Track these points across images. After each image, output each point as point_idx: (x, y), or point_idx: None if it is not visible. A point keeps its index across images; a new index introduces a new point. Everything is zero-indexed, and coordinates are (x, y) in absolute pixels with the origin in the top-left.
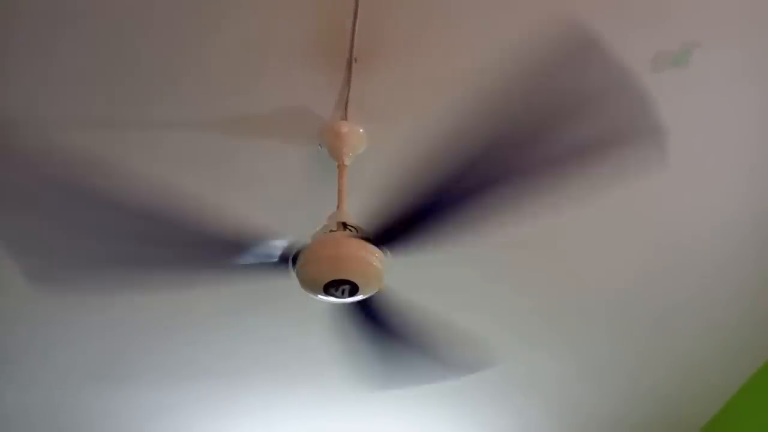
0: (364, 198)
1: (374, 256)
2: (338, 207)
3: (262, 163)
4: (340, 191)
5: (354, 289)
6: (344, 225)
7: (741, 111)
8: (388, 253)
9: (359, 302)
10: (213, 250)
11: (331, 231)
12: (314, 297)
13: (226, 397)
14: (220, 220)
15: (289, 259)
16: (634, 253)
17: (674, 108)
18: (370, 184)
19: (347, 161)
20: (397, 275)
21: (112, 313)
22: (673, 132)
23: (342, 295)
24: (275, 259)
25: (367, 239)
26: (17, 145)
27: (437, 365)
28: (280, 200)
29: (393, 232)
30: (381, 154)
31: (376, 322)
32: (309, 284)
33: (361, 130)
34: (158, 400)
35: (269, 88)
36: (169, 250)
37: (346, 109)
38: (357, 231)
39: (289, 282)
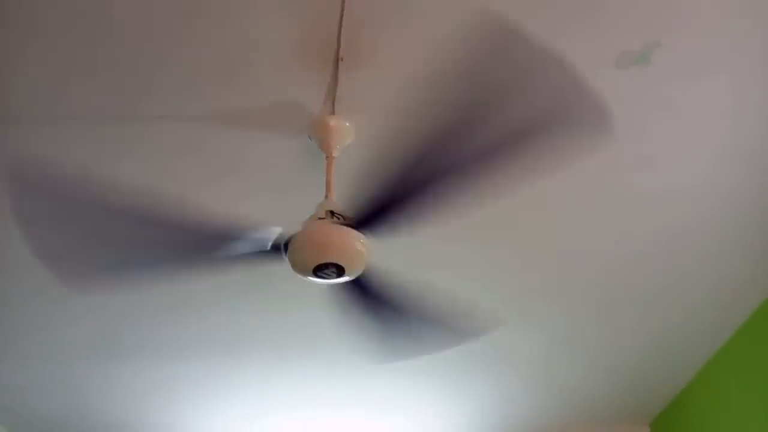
0: (351, 187)
1: (358, 240)
2: (326, 196)
3: (255, 156)
4: (328, 181)
5: (340, 271)
6: (332, 213)
7: (709, 100)
8: (370, 236)
9: (354, 281)
10: (209, 243)
11: (320, 218)
12: (306, 279)
13: (222, 371)
14: (215, 213)
15: (282, 246)
16: (608, 235)
17: (644, 100)
18: (356, 174)
19: (335, 153)
20: (385, 256)
21: (109, 292)
22: (645, 122)
23: (330, 277)
24: (269, 248)
25: (352, 225)
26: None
27: (434, 333)
28: (272, 190)
29: (371, 217)
30: (366, 146)
31: (367, 296)
32: (300, 268)
33: (347, 124)
34: (154, 375)
35: (261, 84)
36: (166, 248)
37: (333, 104)
38: (344, 218)
39: (283, 266)
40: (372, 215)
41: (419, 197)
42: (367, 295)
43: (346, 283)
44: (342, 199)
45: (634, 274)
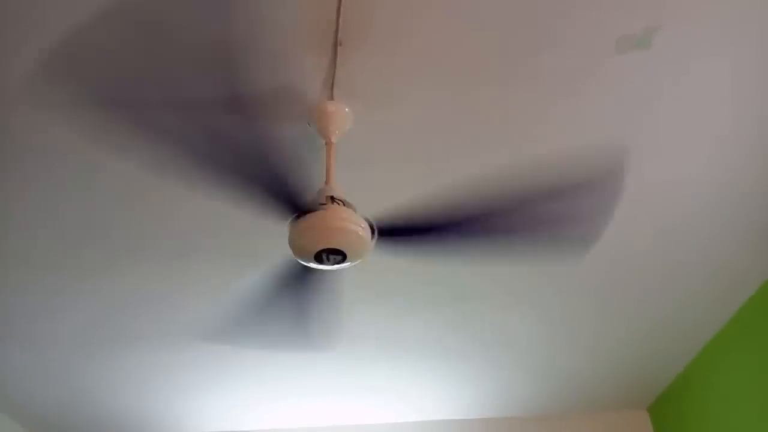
0: (350, 172)
1: (359, 226)
2: (326, 182)
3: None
4: (328, 167)
5: (342, 257)
6: (332, 198)
7: (708, 85)
8: (389, 244)
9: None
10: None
11: (321, 204)
12: (305, 263)
13: (220, 358)
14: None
15: (294, 214)
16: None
17: (644, 85)
18: (356, 159)
19: (334, 139)
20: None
21: (106, 278)
22: (644, 105)
23: (332, 262)
24: (287, 200)
25: (372, 227)
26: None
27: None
28: None
29: (400, 232)
30: (366, 132)
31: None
32: (301, 253)
33: (346, 110)
34: (153, 363)
35: (258, 70)
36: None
37: (332, 89)
38: (344, 204)
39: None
40: (400, 230)
41: (450, 241)
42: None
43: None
44: (342, 183)
45: (631, 261)
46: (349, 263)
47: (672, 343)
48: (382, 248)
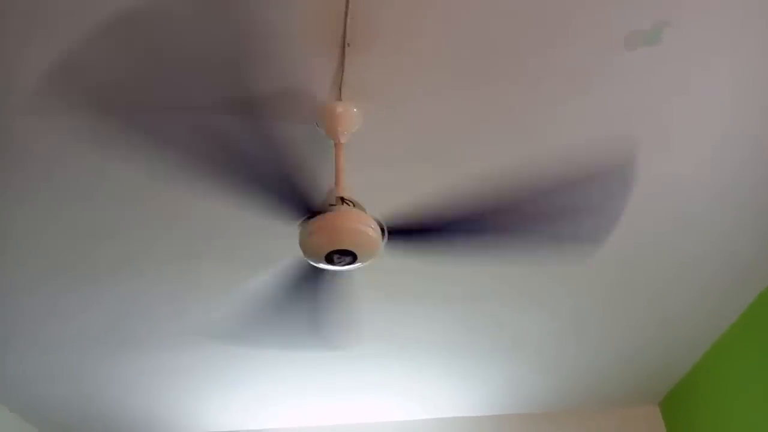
0: (360, 173)
1: (370, 227)
2: (336, 183)
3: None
4: (337, 168)
5: (353, 258)
6: (342, 199)
7: (716, 80)
8: (399, 243)
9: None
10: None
11: (330, 205)
12: (315, 264)
13: (232, 359)
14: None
15: (305, 215)
16: None
17: (653, 81)
18: (365, 160)
19: (343, 139)
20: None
21: (116, 280)
22: (653, 100)
23: (342, 263)
24: (298, 201)
25: (382, 227)
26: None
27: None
28: None
29: (410, 231)
30: (375, 133)
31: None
32: (311, 254)
33: (355, 110)
34: (164, 363)
35: (267, 71)
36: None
37: (340, 90)
38: (354, 205)
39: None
40: (411, 230)
41: (459, 240)
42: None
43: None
44: (351, 185)
45: (641, 257)
46: (359, 264)
47: (683, 339)
48: (393, 248)
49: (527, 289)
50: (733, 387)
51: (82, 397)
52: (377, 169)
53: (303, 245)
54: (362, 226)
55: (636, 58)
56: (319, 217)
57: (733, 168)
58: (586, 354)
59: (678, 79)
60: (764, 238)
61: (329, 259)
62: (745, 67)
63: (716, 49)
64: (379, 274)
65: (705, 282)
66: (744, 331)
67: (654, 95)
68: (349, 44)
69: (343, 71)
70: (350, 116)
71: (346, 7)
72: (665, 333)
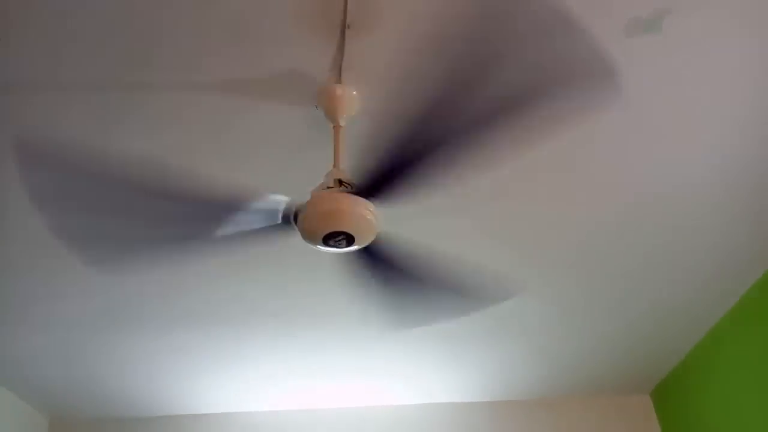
0: (358, 156)
1: (367, 209)
2: (334, 165)
3: (262, 125)
4: (335, 150)
5: (350, 240)
6: (340, 182)
7: (717, 68)
8: (378, 204)
9: (365, 250)
10: (218, 216)
11: (329, 187)
12: (316, 248)
13: (231, 341)
14: (222, 185)
15: (291, 216)
16: (610, 206)
17: (659, 67)
18: (363, 142)
19: (342, 122)
20: (394, 225)
21: (120, 270)
22: (657, 89)
23: (340, 246)
24: (279, 220)
25: (360, 193)
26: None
27: (446, 300)
28: (280, 160)
29: (375, 185)
30: (373, 115)
31: (379, 264)
32: (310, 237)
33: (354, 93)
34: (165, 346)
35: (266, 53)
36: (173, 224)
37: (340, 72)
38: (351, 187)
39: (293, 237)
40: (375, 183)
41: (422, 164)
42: (379, 263)
43: (358, 251)
44: (349, 167)
45: (635, 246)
46: (358, 245)
47: (675, 329)
48: (381, 206)
49: (521, 275)
50: (725, 377)
51: (83, 378)
52: (373, 152)
53: (301, 228)
54: (358, 208)
55: (636, 45)
56: (316, 201)
57: (731, 160)
58: (578, 342)
59: (679, 67)
60: (758, 228)
61: (327, 242)
62: (748, 57)
63: (718, 37)
64: None
65: (697, 272)
66: (736, 321)
67: (652, 83)
68: (349, 26)
69: (343, 53)
70: (350, 99)
71: None
72: (658, 323)
